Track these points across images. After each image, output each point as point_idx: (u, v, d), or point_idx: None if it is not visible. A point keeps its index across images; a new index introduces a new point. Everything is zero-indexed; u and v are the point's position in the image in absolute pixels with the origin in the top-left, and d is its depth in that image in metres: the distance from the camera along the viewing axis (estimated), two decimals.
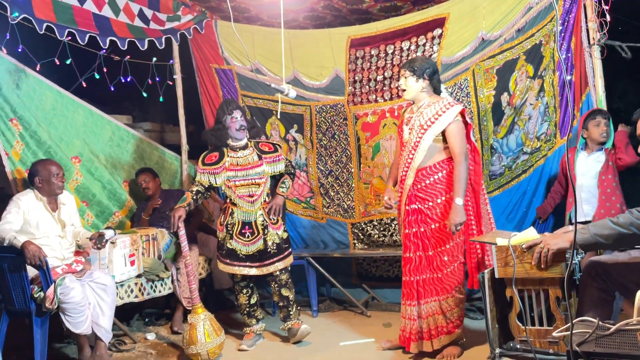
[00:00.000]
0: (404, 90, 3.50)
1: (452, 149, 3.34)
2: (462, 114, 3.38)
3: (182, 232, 3.75)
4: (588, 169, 3.89)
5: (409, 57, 4.55)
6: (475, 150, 3.49)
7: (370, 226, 4.90)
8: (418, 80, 3.42)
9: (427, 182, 3.41)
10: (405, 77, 3.46)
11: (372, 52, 4.72)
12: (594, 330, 1.87)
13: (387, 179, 3.86)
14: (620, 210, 3.70)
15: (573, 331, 1.86)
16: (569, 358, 1.81)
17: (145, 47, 4.57)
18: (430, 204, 3.41)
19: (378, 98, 4.73)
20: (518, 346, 2.47)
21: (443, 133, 3.37)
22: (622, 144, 3.78)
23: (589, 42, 4.00)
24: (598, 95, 3.99)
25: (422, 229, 3.43)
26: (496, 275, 2.70)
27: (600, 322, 1.91)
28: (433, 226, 3.41)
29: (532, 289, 2.67)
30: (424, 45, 4.53)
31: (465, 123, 3.41)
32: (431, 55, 4.50)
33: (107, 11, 4.25)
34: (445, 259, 3.41)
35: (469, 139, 3.43)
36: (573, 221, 3.63)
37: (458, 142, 3.33)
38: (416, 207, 3.44)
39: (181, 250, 3.86)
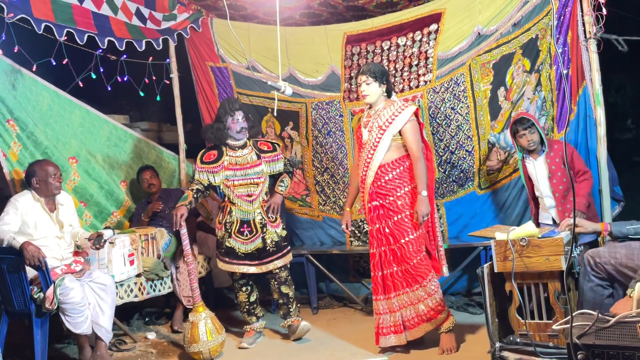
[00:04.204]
0: (365, 96, 3.62)
1: (410, 147, 3.54)
2: (415, 114, 3.56)
3: (183, 231, 3.74)
4: (540, 174, 3.88)
5: (405, 53, 4.57)
6: (427, 147, 3.68)
7: (366, 223, 4.88)
8: (380, 85, 3.60)
9: (387, 178, 3.56)
10: (368, 84, 3.60)
11: (369, 48, 4.72)
12: (593, 323, 1.88)
13: (347, 200, 3.96)
14: (584, 205, 3.67)
15: (573, 324, 1.86)
16: (569, 351, 1.81)
17: (143, 48, 4.56)
18: (391, 198, 3.55)
19: None
20: (518, 340, 2.48)
21: (399, 132, 3.55)
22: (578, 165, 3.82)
23: (585, 36, 4.00)
24: (595, 89, 3.99)
25: (384, 224, 3.56)
26: (495, 270, 2.71)
27: (599, 315, 1.92)
28: (396, 218, 3.53)
29: (532, 283, 2.68)
30: (420, 40, 4.53)
31: (419, 122, 3.61)
32: (427, 50, 4.51)
33: (105, 9, 4.24)
34: (411, 249, 3.48)
35: (422, 137, 3.61)
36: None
37: (415, 140, 3.53)
38: (377, 203, 3.59)
39: (181, 248, 3.86)
